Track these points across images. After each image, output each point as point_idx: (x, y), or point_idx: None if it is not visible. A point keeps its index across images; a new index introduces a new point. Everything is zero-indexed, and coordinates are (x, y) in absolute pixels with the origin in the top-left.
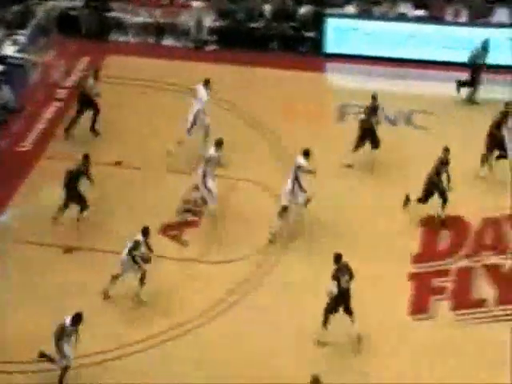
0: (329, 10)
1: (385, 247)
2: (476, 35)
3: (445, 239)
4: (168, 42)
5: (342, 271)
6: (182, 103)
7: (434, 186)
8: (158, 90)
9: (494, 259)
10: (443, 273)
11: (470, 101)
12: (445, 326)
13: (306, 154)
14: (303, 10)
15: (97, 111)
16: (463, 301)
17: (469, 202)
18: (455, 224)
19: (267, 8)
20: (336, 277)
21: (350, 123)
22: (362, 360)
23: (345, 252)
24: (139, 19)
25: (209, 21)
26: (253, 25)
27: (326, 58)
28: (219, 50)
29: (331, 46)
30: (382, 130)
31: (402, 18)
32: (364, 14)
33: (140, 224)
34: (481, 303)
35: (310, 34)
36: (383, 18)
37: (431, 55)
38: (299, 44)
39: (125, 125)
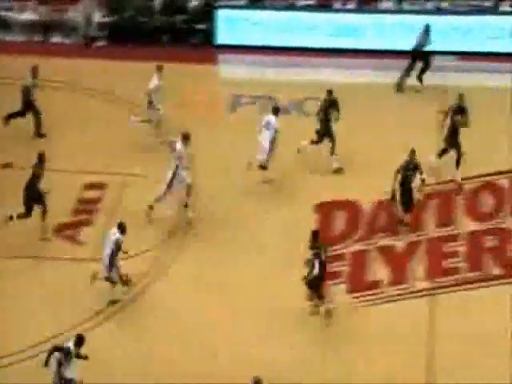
0: (219, 2)
1: (284, 235)
2: (364, 22)
3: (339, 224)
4: (56, 39)
5: (320, 249)
6: (70, 100)
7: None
8: (47, 88)
9: (386, 241)
10: (338, 257)
11: (399, 86)
12: (342, 309)
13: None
14: (194, 2)
15: None
16: (359, 283)
17: (361, 186)
18: (348, 208)
19: (157, 1)
20: (317, 254)
21: (242, 114)
22: (260, 347)
23: (244, 242)
24: (25, 17)
25: (98, 16)
26: (142, 19)
27: (217, 50)
28: (108, 46)
29: (222, 37)
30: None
31: (292, 6)
32: (254, 4)
33: (36, 226)
34: (375, 285)
35: (201, 26)
36: (273, 7)
37: (321, 43)
38: (190, 36)
39: (13, 125)
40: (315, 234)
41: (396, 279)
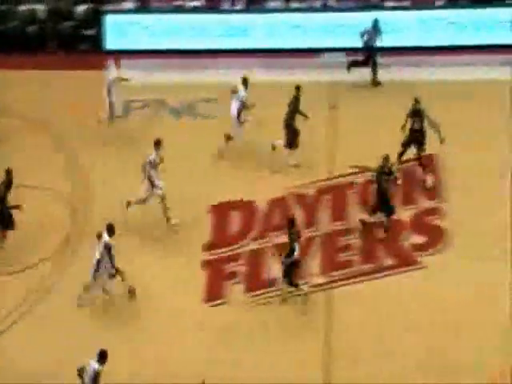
0: (107, 7)
1: (180, 238)
2: (252, 22)
3: (234, 225)
4: None
5: (296, 234)
6: None
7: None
8: None
9: (281, 238)
10: (235, 257)
11: (374, 83)
12: (240, 308)
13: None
14: (80, 8)
15: None
16: (256, 282)
17: (255, 185)
18: (243, 208)
19: (41, 9)
20: (295, 240)
21: (134, 118)
22: (166, 349)
23: (139, 246)
24: None
25: None
26: (29, 28)
27: (106, 55)
28: None
29: (111, 42)
30: (167, 123)
31: (180, 9)
32: (142, 8)
33: None
34: (272, 283)
35: (90, 32)
36: (161, 10)
37: (211, 44)
38: (79, 43)
39: None
40: (291, 221)
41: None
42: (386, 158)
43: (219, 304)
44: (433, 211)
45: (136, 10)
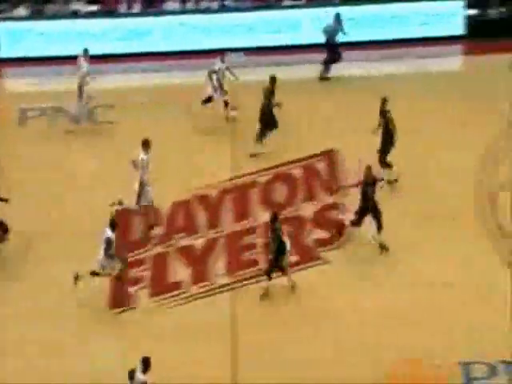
0: None
1: (87, 246)
2: (150, 24)
3: (138, 229)
4: None
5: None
6: None
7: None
8: None
9: (185, 241)
10: (139, 262)
11: (322, 78)
12: (146, 313)
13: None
14: None
15: None
16: (161, 286)
17: (159, 188)
18: (147, 212)
19: None
20: (280, 233)
21: (32, 126)
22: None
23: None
24: None
25: None
26: None
27: (0, 63)
28: None
29: (5, 50)
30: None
31: (75, 15)
32: (36, 15)
33: None
34: (177, 285)
35: None
36: (55, 16)
37: (109, 49)
38: None
39: None
40: (275, 216)
41: (197, 278)
42: (369, 169)
43: (126, 310)
44: (334, 206)
45: (30, 17)
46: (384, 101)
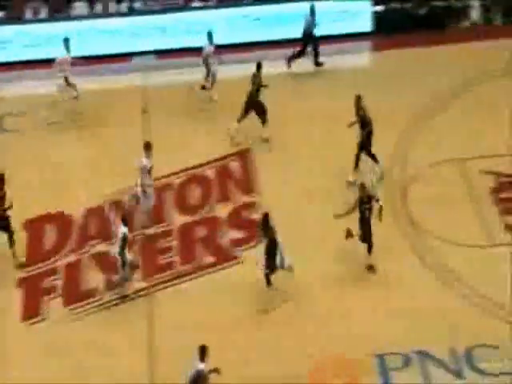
0: None
1: None
2: (57, 30)
3: (50, 238)
4: None
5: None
6: None
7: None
8: None
9: (99, 247)
10: (52, 271)
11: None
12: (60, 323)
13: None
14: None
15: None
16: (74, 294)
17: (69, 194)
18: (58, 221)
19: None
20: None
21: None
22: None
23: None
24: None
25: None
26: None
27: None
28: None
29: None
30: None
31: None
32: None
33: None
34: (91, 293)
35: None
36: None
37: (15, 56)
38: None
39: None
40: (266, 217)
41: (112, 284)
42: (362, 186)
43: (39, 321)
44: (249, 206)
45: None
46: (358, 98)
